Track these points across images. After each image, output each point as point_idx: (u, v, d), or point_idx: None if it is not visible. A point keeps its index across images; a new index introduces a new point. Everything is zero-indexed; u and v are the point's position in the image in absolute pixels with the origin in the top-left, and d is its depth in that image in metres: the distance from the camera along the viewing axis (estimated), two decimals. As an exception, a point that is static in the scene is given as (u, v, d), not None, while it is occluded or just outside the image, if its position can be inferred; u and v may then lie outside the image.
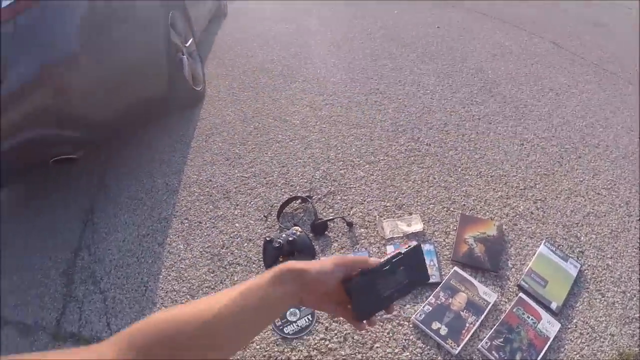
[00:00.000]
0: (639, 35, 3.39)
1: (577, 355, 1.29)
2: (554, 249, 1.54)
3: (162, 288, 1.56)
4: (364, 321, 0.65)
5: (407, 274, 0.67)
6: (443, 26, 3.45)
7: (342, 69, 2.81)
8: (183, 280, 1.56)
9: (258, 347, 1.33)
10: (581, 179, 1.87)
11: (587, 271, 1.51)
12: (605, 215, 1.71)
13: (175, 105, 2.47)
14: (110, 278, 1.65)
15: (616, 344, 1.31)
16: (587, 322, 1.37)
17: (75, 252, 1.81)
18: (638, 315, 1.38)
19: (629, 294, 1.43)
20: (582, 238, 1.62)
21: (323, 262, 0.64)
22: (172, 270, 1.61)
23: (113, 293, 1.59)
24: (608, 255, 1.55)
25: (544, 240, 1.57)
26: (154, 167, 2.13)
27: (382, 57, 2.94)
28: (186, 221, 1.79)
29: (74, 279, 1.70)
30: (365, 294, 0.64)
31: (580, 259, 1.54)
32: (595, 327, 1.35)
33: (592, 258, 1.55)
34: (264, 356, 1.30)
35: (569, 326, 1.36)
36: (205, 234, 1.72)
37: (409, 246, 0.67)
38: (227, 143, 2.20)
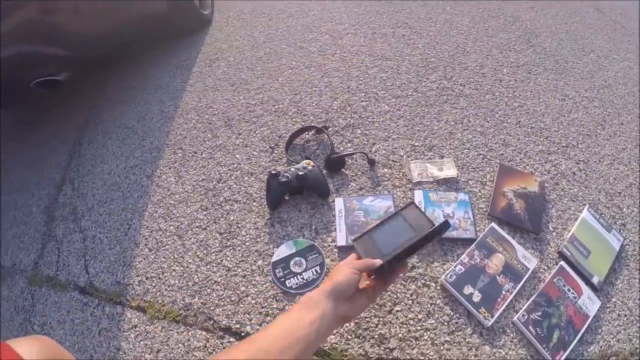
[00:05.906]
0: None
1: (614, 339, 1.02)
2: (597, 217, 1.23)
3: (147, 227, 1.31)
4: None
5: None
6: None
7: (365, -1, 2.38)
8: (171, 219, 1.31)
9: (254, 301, 1.05)
10: (623, 147, 1.54)
11: (628, 247, 1.22)
12: (647, 189, 1.40)
13: (178, 28, 2.16)
14: (92, 215, 1.43)
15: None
16: (625, 303, 1.09)
17: (59, 186, 1.60)
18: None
19: (669, 277, 1.15)
20: (624, 209, 1.31)
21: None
22: (160, 207, 1.36)
23: (93, 232, 1.37)
24: (650, 232, 1.26)
25: (587, 206, 1.25)
26: (150, 93, 1.85)
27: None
28: (180, 151, 1.50)
29: (55, 216, 1.49)
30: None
31: (622, 231, 1.24)
32: (633, 310, 1.08)
33: (634, 233, 1.25)
34: (261, 312, 1.03)
35: (608, 305, 1.08)
36: (200, 165, 1.43)
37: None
38: (233, 68, 1.86)
